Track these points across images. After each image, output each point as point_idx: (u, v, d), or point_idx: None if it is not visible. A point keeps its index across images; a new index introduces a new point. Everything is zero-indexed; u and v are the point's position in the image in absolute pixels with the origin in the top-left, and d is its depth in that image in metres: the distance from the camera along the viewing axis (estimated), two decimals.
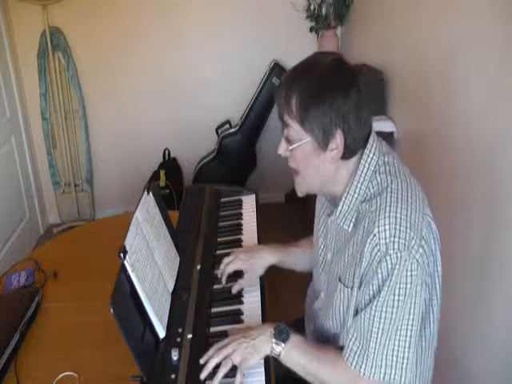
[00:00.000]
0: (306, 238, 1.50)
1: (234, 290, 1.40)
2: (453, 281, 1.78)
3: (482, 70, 1.60)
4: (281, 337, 1.13)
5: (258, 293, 1.42)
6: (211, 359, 1.13)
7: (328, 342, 1.25)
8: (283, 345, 1.12)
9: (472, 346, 1.74)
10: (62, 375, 1.25)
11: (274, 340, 1.13)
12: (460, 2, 1.73)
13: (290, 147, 1.12)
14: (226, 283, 1.42)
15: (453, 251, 1.76)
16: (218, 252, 1.61)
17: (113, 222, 1.90)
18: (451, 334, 1.83)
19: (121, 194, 3.56)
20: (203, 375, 1.12)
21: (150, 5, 3.28)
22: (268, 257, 1.43)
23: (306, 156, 1.11)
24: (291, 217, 3.44)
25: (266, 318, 1.35)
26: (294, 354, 1.13)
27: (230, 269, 1.41)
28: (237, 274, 1.43)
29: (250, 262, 1.41)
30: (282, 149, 1.14)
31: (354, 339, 1.10)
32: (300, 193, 1.19)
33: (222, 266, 1.43)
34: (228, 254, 1.58)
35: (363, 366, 1.08)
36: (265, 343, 1.13)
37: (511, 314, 1.51)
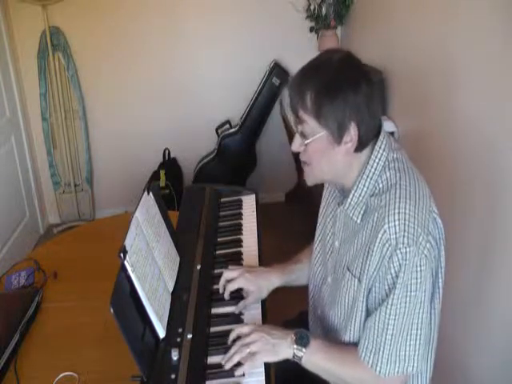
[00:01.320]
0: (307, 249, 1.49)
1: (237, 310, 1.36)
2: (453, 280, 1.79)
3: (482, 70, 1.60)
4: (302, 342, 1.15)
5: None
6: (233, 347, 1.16)
7: (332, 330, 1.27)
8: (304, 350, 1.15)
9: (472, 344, 1.74)
10: (61, 375, 1.25)
11: (295, 346, 1.15)
12: (460, 2, 1.73)
13: (306, 141, 1.14)
14: (230, 299, 1.38)
15: (453, 249, 1.76)
16: (218, 252, 1.61)
17: (113, 222, 1.90)
18: (451, 331, 1.83)
19: (121, 194, 3.56)
20: (228, 365, 1.15)
21: (151, 5, 3.28)
22: (274, 280, 1.42)
23: (321, 150, 1.14)
24: (291, 217, 3.44)
25: (266, 317, 1.35)
26: (316, 358, 1.15)
27: (234, 286, 1.38)
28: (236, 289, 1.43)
29: (256, 283, 1.38)
30: (297, 144, 1.17)
31: (368, 338, 1.13)
32: (309, 182, 1.23)
33: (222, 280, 1.39)
34: (227, 254, 1.59)
35: (379, 364, 1.12)
36: (285, 348, 1.16)
37: (510, 312, 1.51)
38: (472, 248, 1.71)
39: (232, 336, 1.20)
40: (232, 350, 1.16)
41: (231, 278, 1.38)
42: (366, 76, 1.11)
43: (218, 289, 1.43)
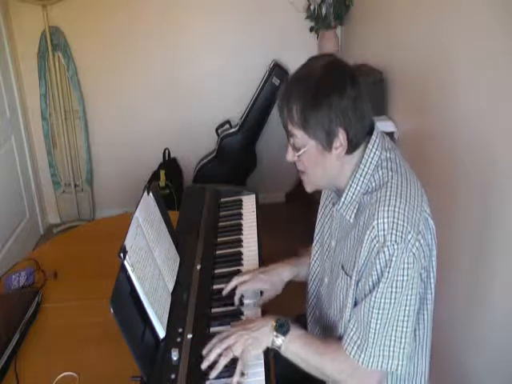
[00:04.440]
0: (310, 247, 1.49)
1: (258, 304, 1.36)
2: (451, 280, 1.78)
3: (482, 70, 1.60)
4: (281, 330, 1.15)
5: (258, 293, 1.41)
6: (213, 350, 1.15)
7: (329, 329, 1.28)
8: (283, 338, 1.15)
9: (470, 343, 1.74)
10: (61, 375, 1.25)
11: (274, 333, 1.15)
12: (460, 1, 1.73)
13: (297, 154, 1.16)
14: (241, 304, 1.37)
15: (450, 248, 1.76)
16: (218, 252, 1.61)
17: (113, 222, 1.90)
18: (450, 331, 1.83)
19: (121, 194, 3.56)
20: (204, 365, 1.13)
21: (151, 5, 3.28)
22: (286, 272, 1.43)
23: (313, 159, 1.15)
24: (291, 217, 3.44)
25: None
26: (294, 347, 1.15)
27: (249, 288, 1.37)
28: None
29: (269, 280, 1.39)
30: (290, 156, 1.19)
31: (354, 329, 1.13)
32: (309, 189, 1.24)
33: (232, 284, 1.37)
34: (227, 254, 1.59)
35: (362, 356, 1.11)
36: (266, 335, 1.15)
37: (509, 311, 1.51)
38: (470, 247, 1.71)
39: (212, 342, 1.17)
40: (213, 355, 1.13)
41: (243, 281, 1.37)
42: (351, 78, 1.11)
43: (217, 289, 1.44)
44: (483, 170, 1.61)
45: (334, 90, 1.08)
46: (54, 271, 1.63)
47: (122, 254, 1.15)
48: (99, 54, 3.36)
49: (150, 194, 1.44)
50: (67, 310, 1.48)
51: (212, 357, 1.14)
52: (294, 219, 3.39)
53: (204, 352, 1.16)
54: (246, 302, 1.38)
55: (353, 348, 1.12)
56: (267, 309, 1.39)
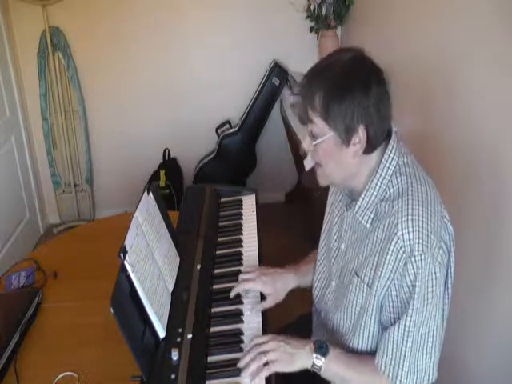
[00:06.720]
0: (313, 252, 1.48)
1: (256, 311, 1.35)
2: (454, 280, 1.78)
3: (483, 70, 1.60)
4: (321, 351, 1.15)
5: (258, 293, 1.41)
6: (249, 352, 1.15)
7: (335, 333, 1.27)
8: (323, 359, 1.14)
9: (471, 344, 1.74)
10: (61, 375, 1.25)
11: (314, 355, 1.14)
12: (460, 1, 1.73)
13: (314, 142, 1.14)
14: (240, 302, 1.37)
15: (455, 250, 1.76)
16: (218, 252, 1.61)
17: (113, 222, 1.90)
18: (450, 330, 1.83)
19: (121, 194, 3.56)
20: (244, 374, 1.13)
21: (150, 5, 3.28)
22: (290, 281, 1.41)
23: (329, 151, 1.13)
24: (291, 217, 3.44)
25: (266, 317, 1.35)
26: (335, 367, 1.15)
27: (249, 286, 1.36)
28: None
29: (273, 286, 1.37)
30: (306, 144, 1.17)
31: (387, 351, 1.12)
32: (322, 183, 1.22)
33: (240, 283, 1.37)
34: (227, 254, 1.59)
35: (399, 378, 1.12)
36: (304, 358, 1.15)
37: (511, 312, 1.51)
38: (476, 248, 1.71)
39: (249, 346, 1.18)
40: (248, 357, 1.14)
41: (247, 279, 1.37)
42: (378, 77, 1.09)
43: (218, 289, 1.44)
44: (486, 169, 1.61)
45: (360, 85, 1.06)
46: (54, 271, 1.63)
47: (121, 254, 1.15)
48: (99, 54, 3.36)
49: (150, 193, 1.44)
50: (67, 310, 1.48)
51: (247, 359, 1.13)
52: (293, 219, 3.39)
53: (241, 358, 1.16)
54: (244, 301, 1.38)
55: (389, 371, 1.12)
56: (269, 310, 1.38)
